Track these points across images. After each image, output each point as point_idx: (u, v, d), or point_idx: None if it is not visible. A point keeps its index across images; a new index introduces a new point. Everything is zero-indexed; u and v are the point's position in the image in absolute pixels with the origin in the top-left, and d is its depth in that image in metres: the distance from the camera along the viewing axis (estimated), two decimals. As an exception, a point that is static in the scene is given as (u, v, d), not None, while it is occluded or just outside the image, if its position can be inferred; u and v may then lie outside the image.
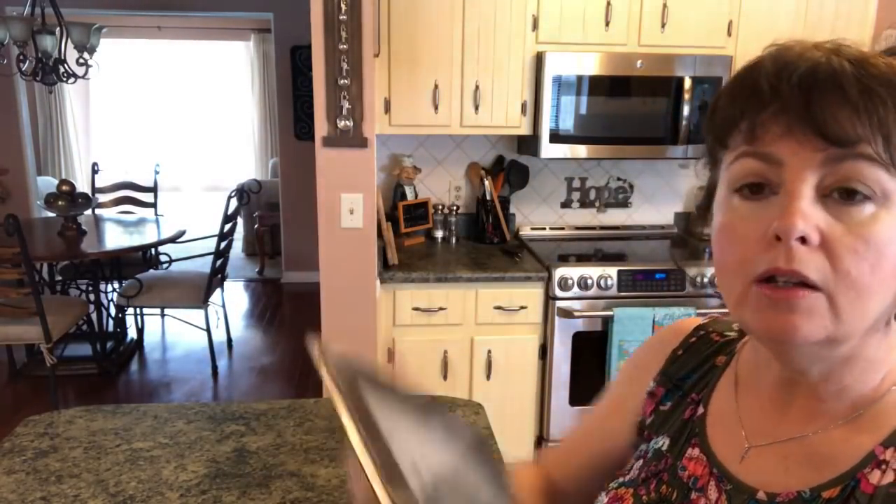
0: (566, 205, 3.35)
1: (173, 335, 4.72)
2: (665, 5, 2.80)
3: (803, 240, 0.49)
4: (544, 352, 2.79)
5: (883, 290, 0.52)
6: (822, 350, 0.54)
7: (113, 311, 4.35)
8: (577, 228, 3.33)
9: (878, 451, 0.54)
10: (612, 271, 2.71)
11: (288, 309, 5.41)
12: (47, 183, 5.82)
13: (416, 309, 2.69)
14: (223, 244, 4.01)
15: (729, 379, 0.69)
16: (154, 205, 5.03)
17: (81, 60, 4.00)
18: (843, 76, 0.50)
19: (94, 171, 5.13)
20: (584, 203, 3.35)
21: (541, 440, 2.88)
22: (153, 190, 5.08)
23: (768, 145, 0.52)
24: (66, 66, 3.99)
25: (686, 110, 2.81)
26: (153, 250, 4.58)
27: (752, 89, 0.53)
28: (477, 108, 2.82)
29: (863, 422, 0.56)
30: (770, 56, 0.54)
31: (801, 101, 0.50)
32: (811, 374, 0.57)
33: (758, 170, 0.53)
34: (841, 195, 0.50)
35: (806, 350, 0.54)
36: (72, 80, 4.06)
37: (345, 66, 2.39)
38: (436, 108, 2.80)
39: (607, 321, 2.70)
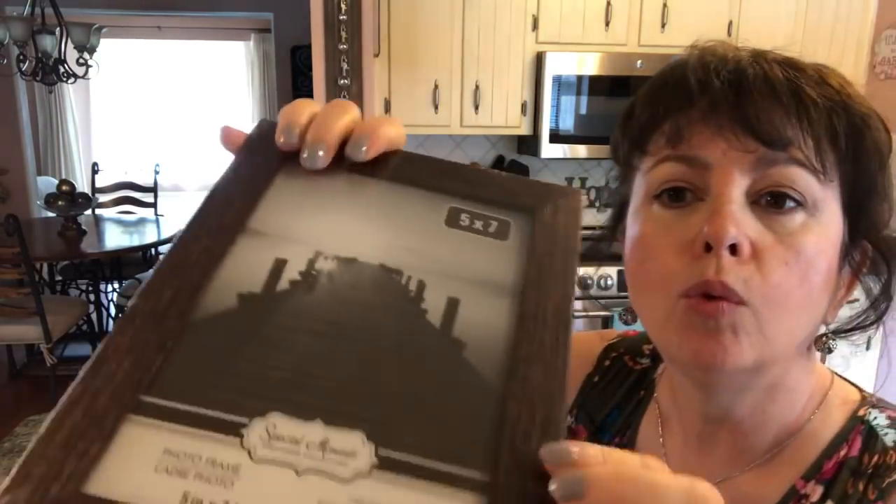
0: (566, 205, 3.35)
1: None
2: (665, 5, 2.80)
3: (733, 249, 0.46)
4: (544, 352, 2.79)
5: (809, 307, 0.49)
6: (750, 377, 0.51)
7: (113, 311, 4.35)
8: (577, 228, 3.33)
9: (799, 486, 0.53)
10: (611, 271, 2.71)
11: (288, 309, 5.40)
12: (47, 183, 5.82)
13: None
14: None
15: (652, 415, 0.64)
16: (154, 205, 5.03)
17: (81, 60, 4.00)
18: (773, 78, 0.48)
19: (94, 171, 5.13)
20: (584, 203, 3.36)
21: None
22: (153, 190, 5.08)
23: (695, 148, 0.48)
24: (66, 66, 3.99)
25: (686, 110, 2.82)
26: (153, 250, 4.57)
27: (678, 86, 0.50)
28: (477, 108, 2.82)
29: (785, 455, 0.54)
30: (695, 56, 0.51)
31: (731, 97, 0.47)
32: (735, 406, 0.54)
33: (682, 174, 0.49)
34: (769, 202, 0.47)
35: (734, 378, 0.50)
36: (72, 80, 4.06)
37: (345, 66, 2.40)
38: (436, 108, 2.80)
39: (607, 321, 2.70)
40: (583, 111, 2.84)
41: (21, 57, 3.91)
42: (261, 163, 0.36)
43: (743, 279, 0.46)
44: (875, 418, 0.54)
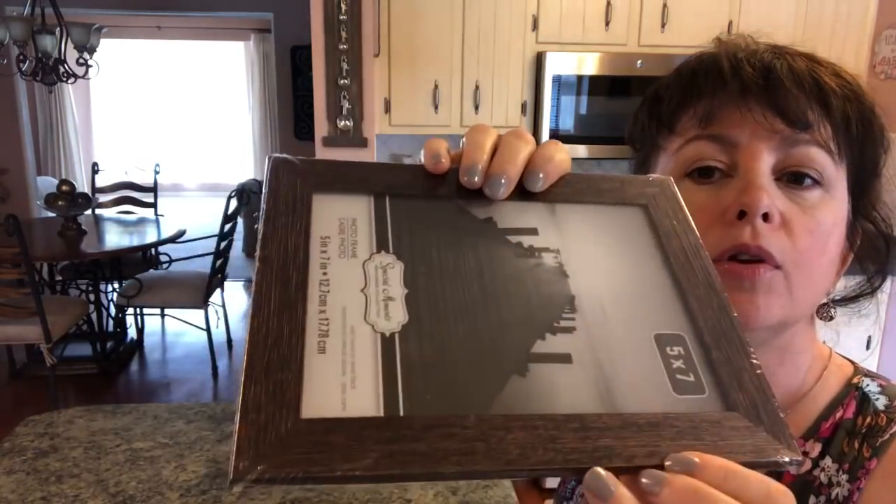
0: (566, 205, 3.35)
1: (173, 335, 4.72)
2: (665, 5, 2.80)
3: (766, 217, 0.50)
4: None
5: (828, 273, 0.54)
6: (770, 335, 0.54)
7: (113, 310, 4.35)
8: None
9: (798, 444, 0.56)
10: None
11: (288, 309, 5.39)
12: (47, 183, 5.82)
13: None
14: (223, 244, 4.01)
15: None
16: (154, 205, 5.03)
17: (81, 60, 4.00)
18: (797, 68, 0.52)
19: (94, 171, 5.13)
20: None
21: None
22: (153, 190, 5.07)
23: (725, 127, 0.53)
24: (66, 66, 3.99)
25: (686, 110, 2.82)
26: (153, 250, 4.58)
27: (710, 71, 0.54)
28: (477, 108, 2.82)
29: (791, 418, 0.58)
30: (723, 47, 0.56)
31: (761, 83, 0.52)
32: None
33: (712, 153, 0.53)
34: (790, 179, 0.52)
35: (756, 334, 0.54)
36: (72, 80, 4.06)
37: (345, 66, 2.40)
38: (436, 108, 2.80)
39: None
40: (583, 111, 2.84)
41: (21, 57, 3.91)
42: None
43: (776, 244, 0.50)
44: (868, 385, 0.59)
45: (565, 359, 0.32)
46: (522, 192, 0.39)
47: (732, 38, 0.57)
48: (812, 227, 0.51)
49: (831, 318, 0.59)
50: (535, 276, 0.36)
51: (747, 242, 0.50)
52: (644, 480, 0.28)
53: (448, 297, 0.34)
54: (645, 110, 0.59)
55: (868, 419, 0.56)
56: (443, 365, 0.31)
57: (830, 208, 0.52)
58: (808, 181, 0.52)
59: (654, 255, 0.38)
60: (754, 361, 0.34)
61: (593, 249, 0.38)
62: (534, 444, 0.29)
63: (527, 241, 0.38)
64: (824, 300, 0.59)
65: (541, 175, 0.38)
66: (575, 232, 0.39)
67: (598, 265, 0.37)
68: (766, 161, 0.51)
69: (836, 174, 0.53)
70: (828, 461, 0.56)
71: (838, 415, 0.57)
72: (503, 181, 0.37)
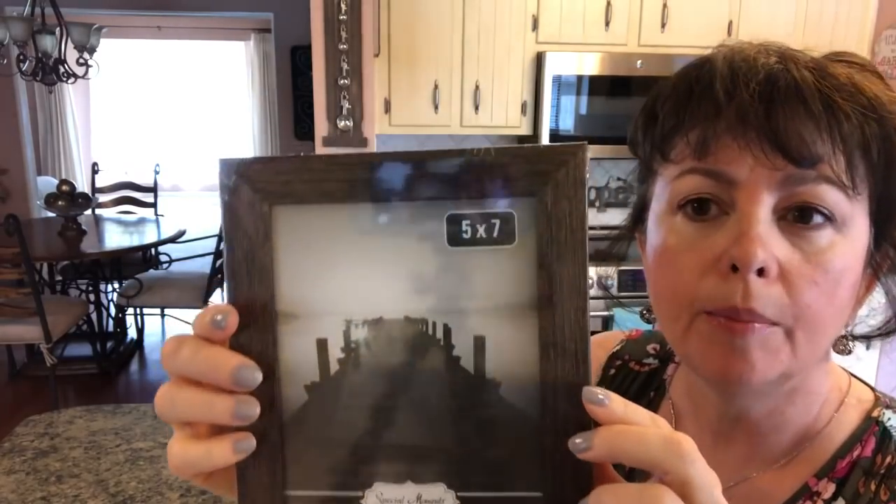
0: (566, 205, 3.35)
1: (173, 335, 4.72)
2: (665, 5, 2.80)
3: (761, 271, 0.45)
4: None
5: (837, 321, 0.48)
6: (772, 385, 0.50)
7: (113, 311, 4.35)
8: (577, 228, 3.33)
9: (811, 483, 0.53)
10: (612, 271, 2.71)
11: (288, 309, 5.40)
12: (47, 183, 5.82)
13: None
14: (223, 244, 4.01)
15: (666, 413, 0.63)
16: (154, 205, 5.03)
17: (81, 60, 4.00)
18: (804, 87, 0.45)
19: (94, 171, 5.13)
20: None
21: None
22: (153, 190, 5.08)
23: (721, 163, 0.47)
24: (66, 66, 3.99)
25: (686, 110, 2.82)
26: (153, 250, 4.58)
27: (705, 95, 0.48)
28: (477, 108, 2.82)
29: (802, 456, 0.54)
30: (722, 58, 0.48)
31: (761, 111, 0.45)
32: (754, 408, 0.54)
33: (707, 188, 0.48)
34: (796, 217, 0.46)
35: (756, 388, 0.49)
36: (72, 80, 4.06)
37: (345, 66, 2.40)
38: (436, 108, 2.80)
39: (607, 321, 2.70)
40: (583, 111, 2.84)
41: (21, 57, 3.91)
42: (251, 232, 0.35)
43: (772, 302, 0.45)
44: (889, 419, 0.54)
45: None
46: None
47: (738, 45, 0.50)
48: (817, 277, 0.45)
49: (849, 352, 0.53)
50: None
51: (737, 306, 0.45)
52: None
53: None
54: (642, 125, 0.53)
55: (889, 458, 0.51)
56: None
57: (841, 251, 0.46)
58: (816, 219, 0.45)
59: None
60: None
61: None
62: None
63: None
64: (842, 333, 0.53)
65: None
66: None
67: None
68: (765, 203, 0.45)
69: (850, 209, 0.46)
70: (840, 503, 0.51)
71: (856, 452, 0.53)
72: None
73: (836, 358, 0.56)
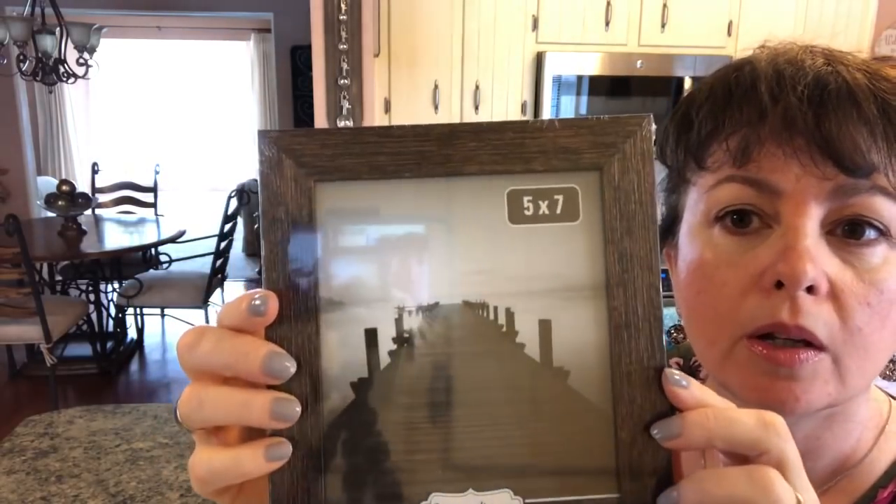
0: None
1: (173, 335, 4.72)
2: (665, 5, 2.80)
3: (810, 288, 0.41)
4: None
5: (890, 346, 0.44)
6: (817, 415, 0.47)
7: (113, 311, 4.35)
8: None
9: None
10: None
11: (288, 309, 5.39)
12: (47, 183, 5.82)
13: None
14: (223, 244, 4.01)
15: None
16: (154, 205, 5.03)
17: (81, 60, 4.00)
18: (857, 89, 0.41)
19: (94, 171, 5.13)
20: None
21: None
22: (153, 190, 5.08)
23: (765, 171, 0.43)
24: (66, 66, 3.99)
25: (686, 110, 2.83)
26: (153, 250, 4.58)
27: (747, 98, 0.44)
28: (477, 108, 2.82)
29: (840, 486, 0.50)
30: (766, 60, 0.45)
31: (810, 116, 0.41)
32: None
33: (748, 198, 0.44)
34: (846, 231, 0.42)
35: (798, 417, 0.46)
36: (72, 80, 4.06)
37: (345, 66, 2.40)
38: (436, 108, 2.80)
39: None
40: (583, 111, 2.84)
41: (21, 57, 3.91)
42: (292, 210, 0.32)
43: (822, 321, 0.41)
44: None
45: None
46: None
47: (780, 46, 0.46)
48: (871, 298, 0.41)
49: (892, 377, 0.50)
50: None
51: (785, 322, 0.41)
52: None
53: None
54: (674, 130, 0.49)
55: None
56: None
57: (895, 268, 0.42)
58: (869, 234, 0.42)
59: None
60: None
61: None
62: None
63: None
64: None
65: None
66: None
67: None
68: (813, 216, 0.41)
69: None
70: None
71: None
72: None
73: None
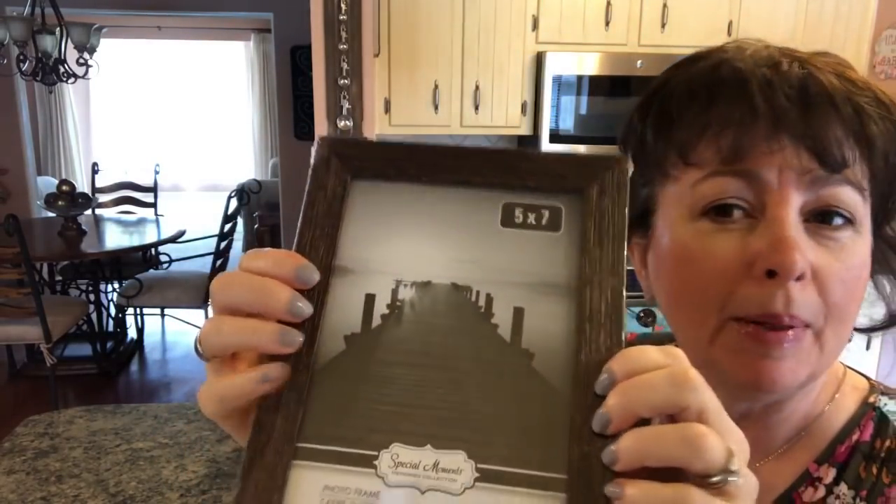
0: (566, 205, 3.35)
1: (173, 335, 4.72)
2: (665, 5, 2.80)
3: (799, 276, 0.45)
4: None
5: (856, 314, 0.50)
6: (799, 387, 0.51)
7: (113, 311, 4.35)
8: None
9: (811, 469, 0.54)
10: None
11: (288, 309, 5.39)
12: (47, 183, 5.82)
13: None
14: (223, 244, 4.01)
15: None
16: (154, 205, 5.04)
17: (81, 60, 4.00)
18: (835, 92, 0.46)
19: (94, 171, 5.13)
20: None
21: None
22: (153, 190, 5.08)
23: (752, 163, 0.47)
24: (66, 66, 3.99)
25: (686, 110, 2.82)
26: (153, 250, 4.58)
27: (737, 98, 0.47)
28: (477, 108, 2.82)
29: (803, 442, 0.55)
30: (746, 60, 0.49)
31: (799, 116, 0.46)
32: (758, 405, 0.54)
33: (736, 190, 0.47)
34: (818, 219, 0.47)
35: (786, 392, 0.51)
36: (72, 80, 4.06)
37: (345, 66, 2.40)
38: (436, 108, 2.80)
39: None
40: (583, 111, 2.84)
41: (21, 57, 3.91)
42: (329, 195, 0.38)
43: (808, 305, 0.46)
44: (885, 404, 0.55)
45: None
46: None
47: (747, 45, 0.50)
48: (844, 275, 0.47)
49: (849, 340, 0.54)
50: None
51: (779, 312, 0.46)
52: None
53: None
54: (652, 126, 0.52)
55: (888, 442, 0.53)
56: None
57: (859, 248, 0.48)
58: (837, 220, 0.47)
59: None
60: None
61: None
62: None
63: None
64: None
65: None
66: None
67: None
68: (794, 205, 0.46)
69: (864, 211, 0.48)
70: (843, 487, 0.53)
71: (854, 437, 0.54)
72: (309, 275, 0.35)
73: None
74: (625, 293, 0.35)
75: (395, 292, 0.37)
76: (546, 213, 0.37)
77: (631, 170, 0.37)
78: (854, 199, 0.47)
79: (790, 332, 0.46)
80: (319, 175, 0.39)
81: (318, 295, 0.36)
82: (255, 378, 0.34)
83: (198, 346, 0.36)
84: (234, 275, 0.36)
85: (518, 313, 0.36)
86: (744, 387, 0.49)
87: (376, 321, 0.36)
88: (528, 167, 0.38)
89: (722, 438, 0.31)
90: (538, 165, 0.38)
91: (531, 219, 0.37)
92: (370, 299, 0.37)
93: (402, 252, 0.37)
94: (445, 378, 0.35)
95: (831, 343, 0.48)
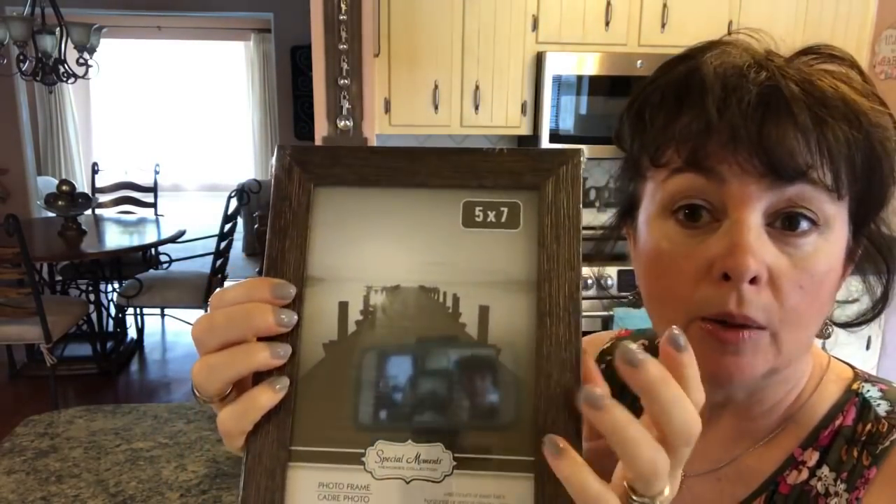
0: (566, 205, 3.35)
1: (173, 335, 4.72)
2: (665, 5, 2.81)
3: (753, 279, 0.47)
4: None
5: (819, 318, 0.52)
6: (759, 380, 0.53)
7: (113, 311, 4.35)
8: (577, 228, 3.33)
9: (796, 454, 0.57)
10: (612, 271, 2.71)
11: (288, 309, 5.39)
12: (47, 183, 5.82)
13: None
14: (223, 244, 4.01)
15: None
16: (154, 205, 5.03)
17: (81, 60, 4.00)
18: (794, 103, 0.47)
19: (94, 171, 5.13)
20: (585, 203, 3.34)
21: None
22: (153, 190, 5.08)
23: (713, 162, 0.49)
24: (66, 66, 3.99)
25: (686, 110, 2.82)
26: (153, 250, 4.58)
27: (696, 110, 0.49)
28: (477, 108, 2.82)
29: (789, 429, 0.58)
30: (713, 70, 0.50)
31: (752, 129, 0.47)
32: (738, 395, 0.58)
33: (700, 187, 0.49)
34: (784, 223, 0.49)
35: (745, 385, 0.54)
36: (72, 80, 4.06)
37: (345, 66, 2.40)
38: (436, 108, 2.80)
39: (607, 321, 2.70)
40: (583, 111, 2.84)
41: (21, 57, 3.91)
42: (294, 205, 0.40)
43: (762, 307, 0.48)
44: (868, 391, 0.58)
45: None
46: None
47: (726, 49, 0.51)
48: (803, 281, 0.48)
49: (828, 336, 0.57)
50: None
51: (732, 312, 0.48)
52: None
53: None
54: (629, 126, 0.56)
55: (868, 426, 0.55)
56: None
57: (825, 254, 0.49)
58: (802, 225, 0.48)
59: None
60: None
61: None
62: None
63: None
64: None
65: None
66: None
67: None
68: (755, 208, 0.48)
69: (834, 211, 0.49)
70: (825, 470, 0.55)
71: (837, 422, 0.56)
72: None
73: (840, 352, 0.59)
74: (581, 287, 0.37)
75: (366, 298, 0.38)
76: (505, 211, 0.39)
77: (584, 161, 0.39)
78: (819, 197, 0.48)
79: (745, 332, 0.49)
80: (282, 185, 0.40)
81: (294, 306, 0.38)
82: (269, 387, 0.37)
83: (196, 392, 0.38)
84: (212, 315, 0.37)
85: (483, 311, 0.38)
86: (706, 380, 0.51)
87: (351, 328, 0.38)
88: (485, 166, 0.39)
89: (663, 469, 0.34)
90: (495, 163, 0.39)
91: (491, 217, 0.39)
92: (343, 307, 0.38)
93: (370, 258, 0.39)
94: (420, 377, 0.38)
95: (789, 345, 0.50)
